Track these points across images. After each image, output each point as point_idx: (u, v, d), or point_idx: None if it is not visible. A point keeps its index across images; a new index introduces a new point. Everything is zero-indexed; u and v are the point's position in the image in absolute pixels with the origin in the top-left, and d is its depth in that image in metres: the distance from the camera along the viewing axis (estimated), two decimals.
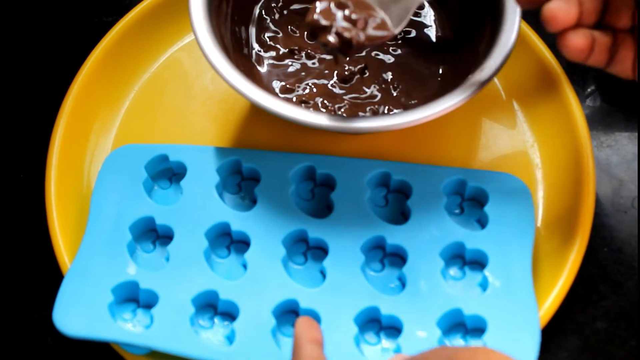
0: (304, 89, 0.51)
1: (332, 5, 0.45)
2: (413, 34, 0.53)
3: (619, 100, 0.55)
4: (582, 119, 0.50)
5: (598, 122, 0.54)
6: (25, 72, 0.58)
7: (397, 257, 0.48)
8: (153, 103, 0.55)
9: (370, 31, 0.45)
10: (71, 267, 0.47)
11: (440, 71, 0.52)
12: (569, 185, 0.50)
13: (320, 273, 0.48)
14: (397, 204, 0.50)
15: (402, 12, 0.46)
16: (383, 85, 0.52)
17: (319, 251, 0.48)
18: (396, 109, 0.51)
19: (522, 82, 0.53)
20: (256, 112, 0.52)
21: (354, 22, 0.44)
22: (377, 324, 0.46)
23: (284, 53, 0.52)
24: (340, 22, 0.44)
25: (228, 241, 0.49)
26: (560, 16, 0.40)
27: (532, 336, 0.44)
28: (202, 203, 0.48)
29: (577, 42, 0.40)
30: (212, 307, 0.47)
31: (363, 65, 0.52)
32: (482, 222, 0.48)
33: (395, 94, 0.51)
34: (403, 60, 0.52)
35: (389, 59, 0.53)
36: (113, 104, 0.54)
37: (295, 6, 0.54)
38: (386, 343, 0.46)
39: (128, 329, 0.46)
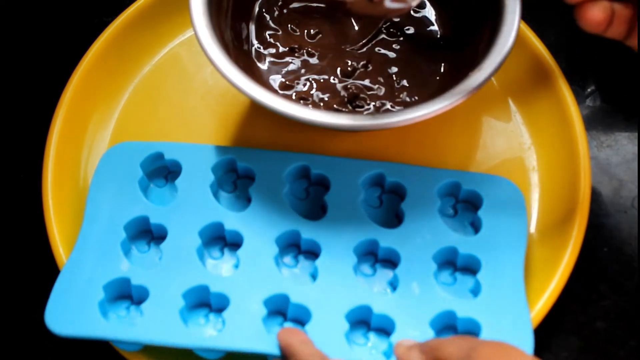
0: (304, 84, 0.51)
1: None
2: (412, 30, 0.53)
3: (619, 100, 0.55)
4: (579, 121, 0.50)
5: (598, 122, 0.54)
6: (24, 69, 0.58)
7: (390, 261, 0.48)
8: (152, 97, 0.55)
9: (389, 3, 0.45)
10: (64, 267, 0.46)
11: (442, 69, 0.52)
12: (565, 187, 0.50)
13: (311, 277, 0.48)
14: (391, 205, 0.50)
15: None
16: (387, 80, 0.51)
17: (311, 255, 0.48)
18: (397, 106, 0.51)
19: (521, 82, 0.53)
20: (255, 107, 0.52)
21: None
22: (368, 324, 0.46)
23: (284, 51, 0.53)
24: None
25: (222, 241, 0.49)
26: None
27: (525, 341, 0.44)
28: (196, 202, 0.48)
29: (594, 14, 0.40)
30: (205, 305, 0.47)
31: (366, 61, 0.52)
32: (476, 226, 0.48)
33: (397, 90, 0.51)
34: (405, 56, 0.52)
35: (391, 54, 0.53)
36: (111, 98, 0.54)
37: (295, 5, 0.54)
38: (377, 342, 0.46)
39: (117, 325, 0.45)
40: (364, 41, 0.53)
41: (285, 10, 0.54)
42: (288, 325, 0.46)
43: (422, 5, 0.54)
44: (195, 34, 0.47)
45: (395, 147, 0.52)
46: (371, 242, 0.47)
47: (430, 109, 0.45)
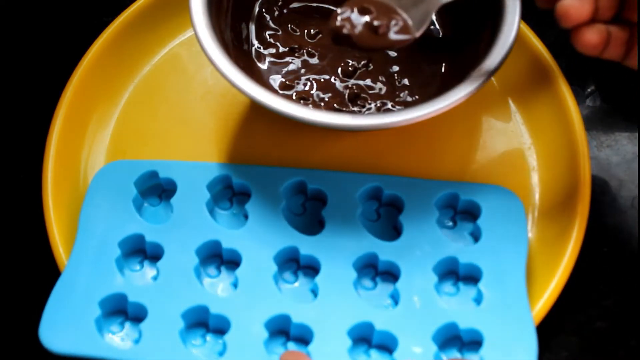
0: (305, 84, 0.51)
1: (355, 11, 0.45)
2: None
3: (619, 100, 0.55)
4: (579, 121, 0.50)
5: (598, 122, 0.54)
6: (25, 69, 0.58)
7: (390, 274, 0.48)
8: (152, 97, 0.54)
9: (393, 35, 0.45)
10: (58, 283, 0.46)
11: (442, 69, 0.52)
12: (565, 187, 0.50)
13: (311, 292, 0.47)
14: (389, 218, 0.50)
15: (423, 15, 0.46)
16: (388, 79, 0.52)
17: (310, 270, 0.48)
18: (398, 106, 0.51)
19: (521, 82, 0.53)
20: (255, 107, 0.52)
21: (376, 30, 0.45)
22: (371, 341, 0.46)
23: (284, 51, 0.53)
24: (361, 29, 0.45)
25: (218, 258, 0.49)
26: (573, 12, 0.40)
27: (529, 348, 0.44)
28: (192, 220, 0.48)
29: (589, 37, 0.40)
30: (203, 325, 0.47)
31: (366, 60, 0.52)
32: (475, 236, 0.48)
33: (398, 88, 0.51)
34: (406, 55, 0.52)
35: (392, 53, 0.53)
36: (111, 98, 0.54)
37: (295, 5, 0.54)
38: (379, 359, 0.45)
39: (116, 344, 0.45)
40: None
41: (285, 10, 0.54)
42: (291, 345, 0.46)
43: None
44: (195, 34, 0.47)
45: (394, 146, 0.52)
46: (370, 255, 0.47)
47: (431, 108, 0.45)
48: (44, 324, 0.45)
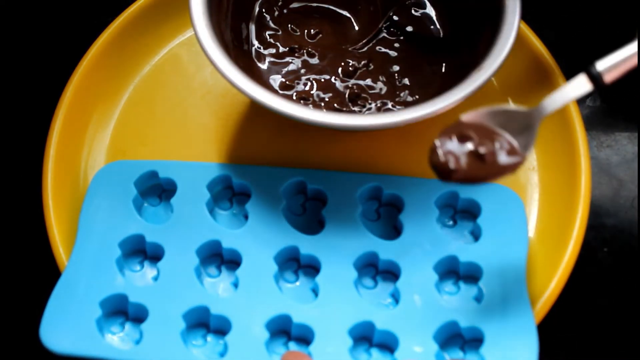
0: (305, 84, 0.51)
1: (455, 139, 0.41)
2: (412, 29, 0.53)
3: (619, 100, 0.55)
4: (579, 121, 0.50)
5: (598, 122, 0.54)
6: (25, 69, 0.58)
7: (390, 273, 0.48)
8: (152, 98, 0.55)
9: (502, 159, 0.41)
10: (58, 283, 0.46)
11: (443, 69, 0.52)
12: (565, 187, 0.50)
13: (312, 291, 0.48)
14: (389, 217, 0.50)
15: (527, 133, 0.42)
16: (388, 79, 0.52)
17: (311, 269, 0.48)
18: (398, 105, 0.51)
19: (521, 82, 0.53)
20: (255, 107, 0.52)
21: (482, 157, 0.41)
22: (371, 339, 0.46)
23: (284, 51, 0.53)
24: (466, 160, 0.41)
25: (218, 258, 0.49)
26: None
27: (530, 346, 0.44)
28: (192, 220, 0.48)
29: None
30: (204, 325, 0.47)
31: (367, 60, 0.52)
32: (475, 234, 0.48)
33: (398, 88, 0.51)
34: (407, 55, 0.53)
35: (393, 53, 0.53)
36: (111, 98, 0.54)
37: (295, 5, 0.54)
38: (380, 358, 0.45)
39: (117, 344, 0.45)
40: (364, 41, 0.53)
41: (285, 10, 0.54)
42: (292, 345, 0.46)
43: (422, 5, 0.54)
44: (195, 34, 0.47)
45: (394, 146, 0.52)
46: (371, 254, 0.47)
47: (432, 108, 0.45)
48: (44, 324, 0.45)
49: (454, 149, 0.41)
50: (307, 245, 0.47)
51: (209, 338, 0.46)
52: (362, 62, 0.52)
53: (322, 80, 0.52)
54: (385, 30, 0.53)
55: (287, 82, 0.51)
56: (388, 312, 0.46)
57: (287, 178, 0.49)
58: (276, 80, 0.52)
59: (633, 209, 0.51)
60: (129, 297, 0.46)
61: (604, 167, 0.53)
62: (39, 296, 0.47)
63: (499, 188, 0.48)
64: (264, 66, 0.52)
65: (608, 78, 0.41)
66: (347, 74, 0.52)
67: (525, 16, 0.48)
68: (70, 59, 0.54)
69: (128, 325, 0.47)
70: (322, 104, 0.51)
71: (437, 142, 0.41)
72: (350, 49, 0.53)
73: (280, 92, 0.51)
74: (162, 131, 0.53)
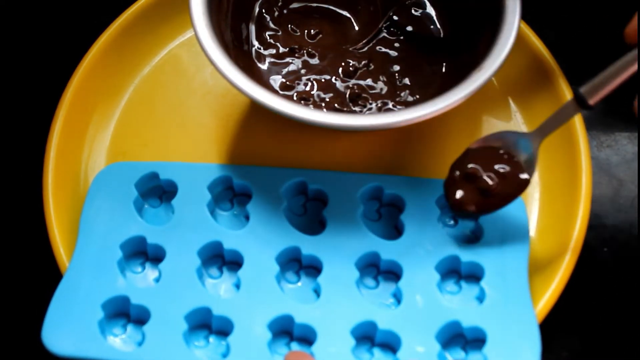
0: (305, 84, 0.51)
1: (463, 180, 0.46)
2: (412, 29, 0.53)
3: (618, 100, 0.55)
4: (579, 121, 0.50)
5: (598, 122, 0.55)
6: (25, 69, 0.58)
7: (392, 273, 0.48)
8: (152, 98, 0.54)
9: (510, 188, 0.46)
10: (60, 285, 0.46)
11: (443, 69, 0.52)
12: (565, 187, 0.50)
13: (314, 292, 0.48)
14: (390, 217, 0.50)
15: (527, 153, 0.46)
16: (389, 78, 0.52)
17: (313, 270, 0.48)
18: (399, 105, 0.51)
19: (521, 82, 0.53)
20: (256, 108, 0.52)
21: (491, 192, 0.46)
22: (374, 339, 0.46)
23: (284, 51, 0.52)
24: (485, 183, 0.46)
25: (220, 259, 0.49)
26: None
27: (533, 345, 0.44)
28: (193, 221, 0.48)
29: None
30: (206, 326, 0.47)
31: (367, 60, 0.52)
32: (476, 234, 0.48)
33: (399, 88, 0.51)
34: (407, 54, 0.53)
35: (393, 53, 0.53)
36: (111, 98, 0.54)
37: (295, 5, 0.54)
38: (382, 358, 0.45)
39: (119, 346, 0.45)
40: (364, 41, 0.53)
41: (285, 11, 0.54)
42: (294, 345, 0.46)
43: (422, 5, 0.54)
44: (196, 34, 0.47)
45: (395, 146, 0.52)
46: (372, 254, 0.47)
47: (432, 108, 0.45)
48: (46, 326, 0.45)
49: (464, 190, 0.46)
50: (309, 245, 0.47)
51: (211, 339, 0.46)
52: (363, 62, 0.52)
53: (323, 80, 0.52)
54: (385, 30, 0.53)
55: (288, 83, 0.51)
56: (390, 312, 0.46)
57: (288, 178, 0.49)
58: (276, 80, 0.52)
59: (633, 209, 0.52)
60: (131, 298, 0.46)
61: (604, 167, 0.53)
62: (40, 298, 0.47)
63: None
64: (264, 66, 0.52)
65: (592, 101, 0.44)
66: (348, 74, 0.52)
67: (525, 16, 0.48)
68: (70, 59, 0.54)
69: (130, 327, 0.47)
70: (323, 104, 0.51)
71: (458, 195, 0.46)
72: (350, 49, 0.53)
73: (281, 92, 0.51)
74: (162, 132, 0.53)
